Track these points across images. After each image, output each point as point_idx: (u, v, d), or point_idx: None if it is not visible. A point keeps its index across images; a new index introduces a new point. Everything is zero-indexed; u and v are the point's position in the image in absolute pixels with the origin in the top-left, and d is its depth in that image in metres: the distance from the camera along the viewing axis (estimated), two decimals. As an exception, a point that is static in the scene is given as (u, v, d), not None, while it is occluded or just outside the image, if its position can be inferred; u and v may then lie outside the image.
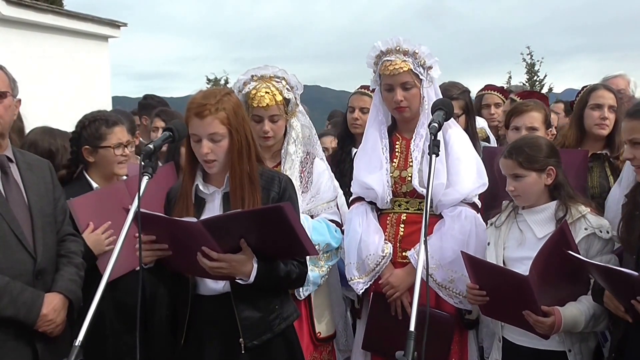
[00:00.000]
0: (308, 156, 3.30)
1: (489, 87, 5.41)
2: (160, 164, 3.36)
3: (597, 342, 2.85)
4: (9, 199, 2.63)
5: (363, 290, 3.13)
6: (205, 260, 2.33)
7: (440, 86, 3.28)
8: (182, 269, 2.52)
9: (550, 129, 3.76)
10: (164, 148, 2.79)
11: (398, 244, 3.13)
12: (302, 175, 3.25)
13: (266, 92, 3.14)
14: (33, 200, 2.69)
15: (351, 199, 3.31)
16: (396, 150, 3.20)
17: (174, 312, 2.65)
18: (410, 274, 3.02)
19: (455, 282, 3.01)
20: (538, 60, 24.57)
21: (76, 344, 1.92)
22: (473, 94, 4.80)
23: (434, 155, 2.26)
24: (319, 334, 3.24)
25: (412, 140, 3.15)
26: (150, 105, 5.61)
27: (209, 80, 26.71)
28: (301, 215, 3.08)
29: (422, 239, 2.12)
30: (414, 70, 3.06)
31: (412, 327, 1.94)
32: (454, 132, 3.15)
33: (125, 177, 3.29)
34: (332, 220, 3.26)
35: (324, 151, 3.58)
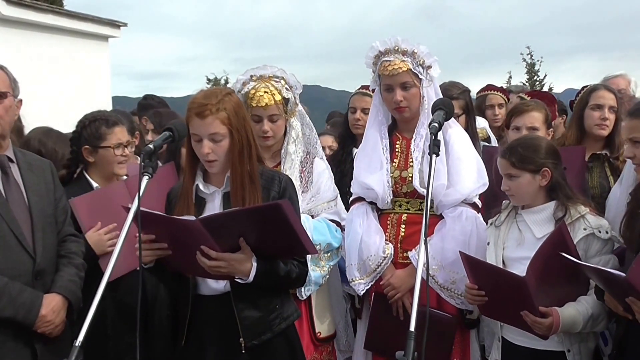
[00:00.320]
0: (308, 156, 3.30)
1: (490, 88, 5.41)
2: (159, 163, 3.36)
3: (597, 343, 2.85)
4: (9, 199, 2.62)
5: (364, 291, 3.13)
6: (204, 260, 2.33)
7: (440, 86, 3.28)
8: (181, 269, 2.52)
9: (551, 129, 3.76)
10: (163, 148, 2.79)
11: (399, 245, 3.13)
12: (302, 175, 3.25)
13: (265, 92, 3.14)
14: (33, 200, 2.69)
15: (351, 199, 3.31)
16: (396, 150, 3.20)
17: (174, 312, 2.65)
18: (411, 274, 3.02)
19: (457, 283, 3.01)
20: (538, 60, 24.59)
21: (76, 344, 1.92)
22: (473, 94, 4.80)
23: (434, 155, 2.25)
24: (319, 334, 3.24)
25: (412, 140, 3.15)
26: (150, 105, 5.60)
27: (209, 80, 26.72)
28: (302, 215, 3.08)
29: (422, 239, 2.11)
30: (413, 70, 3.06)
31: (412, 328, 1.94)
32: (454, 132, 3.14)
33: (125, 177, 3.29)
34: (332, 220, 3.25)
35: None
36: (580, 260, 2.63)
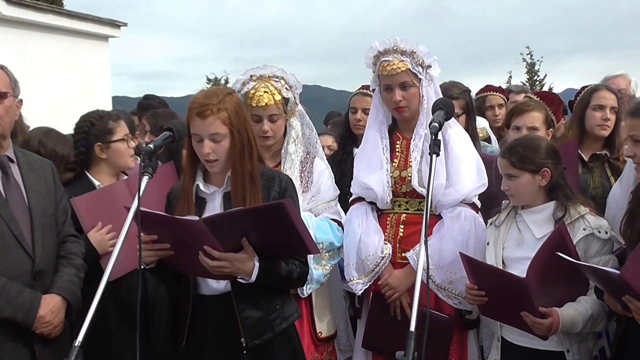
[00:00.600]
0: (308, 156, 3.30)
1: (489, 88, 5.41)
2: (159, 163, 3.36)
3: (596, 343, 2.85)
4: (9, 199, 2.62)
5: (362, 290, 3.13)
6: (206, 260, 2.33)
7: (440, 86, 3.27)
8: (183, 269, 2.52)
9: (551, 129, 3.76)
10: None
11: (397, 245, 3.13)
12: (303, 174, 3.25)
13: (265, 92, 3.14)
14: (33, 200, 2.69)
15: (351, 199, 3.31)
16: (397, 150, 3.20)
17: (174, 312, 2.65)
18: (409, 274, 3.03)
19: (454, 283, 3.01)
20: (538, 60, 24.60)
21: (76, 344, 1.91)
22: (473, 94, 4.80)
23: (434, 155, 2.25)
24: (319, 334, 3.24)
25: (412, 140, 3.15)
26: (150, 105, 5.59)
27: (209, 80, 26.74)
28: (305, 213, 3.08)
29: (423, 239, 2.11)
30: (412, 69, 3.06)
31: (412, 328, 1.94)
32: (454, 132, 3.14)
33: (125, 177, 3.29)
34: (333, 220, 3.26)
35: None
36: (580, 260, 2.63)
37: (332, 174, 3.39)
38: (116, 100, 15.66)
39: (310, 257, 2.96)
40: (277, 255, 2.47)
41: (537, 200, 2.85)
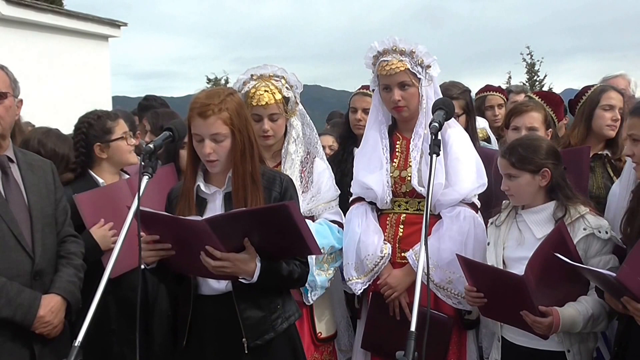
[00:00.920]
0: (308, 156, 3.30)
1: (488, 88, 5.41)
2: (159, 163, 3.37)
3: (597, 343, 2.85)
4: (9, 199, 2.62)
5: (361, 290, 3.13)
6: (208, 260, 2.32)
7: (440, 86, 3.27)
8: (184, 269, 2.52)
9: (550, 129, 3.75)
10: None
11: (397, 245, 3.13)
12: (303, 174, 3.25)
13: (265, 91, 3.14)
14: (33, 200, 2.69)
15: (351, 199, 3.31)
16: (397, 150, 3.20)
17: (175, 313, 2.65)
18: (408, 274, 3.03)
19: (453, 282, 3.01)
20: (538, 60, 24.59)
21: (76, 344, 1.91)
22: (473, 94, 4.80)
23: (434, 155, 2.25)
24: (319, 334, 3.24)
25: (412, 140, 3.15)
26: (151, 106, 5.59)
27: (209, 80, 26.74)
28: (306, 221, 3.08)
29: (423, 239, 2.11)
30: (411, 69, 3.06)
31: (412, 328, 1.94)
32: (454, 132, 3.14)
33: (127, 177, 3.29)
34: (333, 221, 3.25)
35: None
36: (580, 260, 2.64)
37: (332, 174, 3.39)
38: (116, 100, 15.66)
39: (312, 264, 2.96)
40: (278, 256, 2.47)
41: (537, 200, 2.85)
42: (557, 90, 22.93)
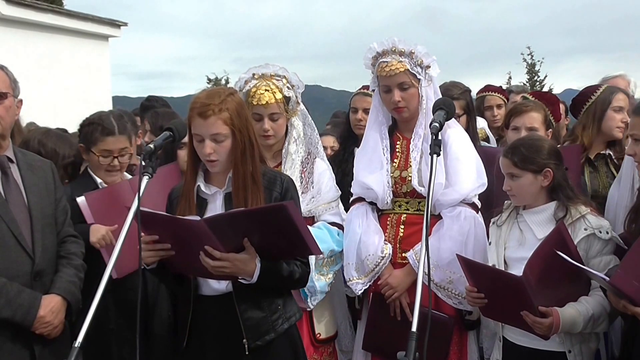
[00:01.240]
0: (309, 156, 3.30)
1: (488, 88, 5.40)
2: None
3: (598, 344, 2.85)
4: (9, 199, 2.62)
5: (362, 291, 3.13)
6: (208, 260, 2.32)
7: (441, 86, 3.27)
8: (184, 269, 2.51)
9: (550, 130, 3.75)
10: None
11: (398, 245, 3.12)
12: (303, 175, 3.24)
13: (266, 90, 3.14)
14: (33, 201, 2.68)
15: (352, 199, 3.30)
16: (397, 150, 3.20)
17: (175, 313, 2.64)
18: (408, 274, 3.03)
19: (454, 282, 3.01)
20: (538, 61, 24.60)
21: (76, 345, 1.91)
22: (473, 94, 4.80)
23: (434, 155, 2.25)
24: (318, 335, 3.23)
25: (412, 140, 3.15)
26: (153, 107, 5.59)
27: (209, 80, 26.75)
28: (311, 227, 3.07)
29: (423, 240, 2.11)
30: (410, 70, 3.05)
31: (414, 328, 1.93)
32: (453, 132, 3.14)
33: (130, 177, 3.28)
34: (333, 223, 3.25)
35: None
36: (581, 260, 2.64)
37: (333, 174, 3.38)
38: (116, 100, 15.67)
39: (312, 269, 2.96)
40: (278, 256, 2.46)
41: (538, 200, 2.85)
42: (557, 90, 22.95)
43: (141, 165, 2.27)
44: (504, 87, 6.24)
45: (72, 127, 3.33)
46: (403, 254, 3.10)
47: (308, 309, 3.13)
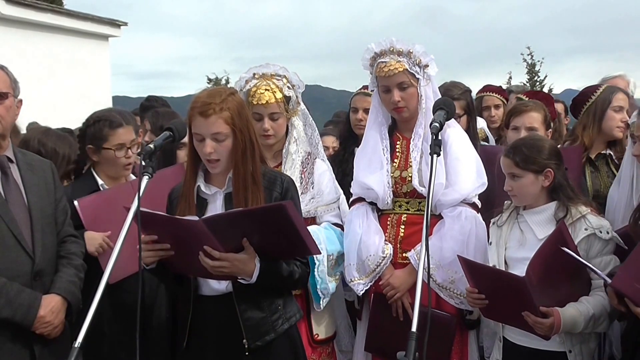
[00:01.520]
0: (309, 156, 3.29)
1: (487, 88, 5.39)
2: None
3: (598, 343, 2.85)
4: (9, 199, 2.62)
5: (363, 291, 3.13)
6: (207, 260, 2.32)
7: (441, 86, 3.27)
8: (184, 269, 2.51)
9: (550, 130, 3.75)
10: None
11: (398, 245, 3.12)
12: (303, 175, 3.24)
13: (266, 89, 3.14)
14: (33, 201, 2.68)
15: (352, 199, 3.30)
16: (397, 150, 3.19)
17: (174, 314, 2.64)
18: (410, 274, 3.02)
19: (455, 282, 3.00)
20: (538, 61, 24.58)
21: (75, 345, 1.91)
22: (473, 95, 4.79)
23: (435, 155, 2.25)
24: (316, 336, 3.22)
25: (411, 140, 3.15)
26: (152, 107, 5.58)
27: (209, 80, 26.72)
28: (314, 227, 3.08)
29: (424, 239, 2.11)
30: (409, 69, 3.05)
31: (414, 328, 1.93)
32: (453, 132, 3.14)
33: (133, 178, 3.27)
34: (335, 224, 3.25)
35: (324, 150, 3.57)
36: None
37: (333, 175, 3.38)
38: (116, 100, 15.67)
39: (325, 271, 2.96)
40: (278, 256, 2.46)
41: (539, 200, 2.85)
42: (557, 90, 22.96)
43: (141, 165, 2.27)
44: (504, 87, 6.23)
45: (72, 127, 3.32)
46: (404, 254, 3.10)
47: (318, 310, 3.13)
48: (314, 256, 3.02)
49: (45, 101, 10.92)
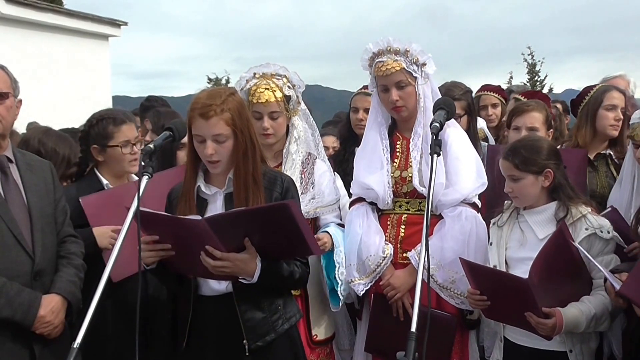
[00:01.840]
0: (310, 156, 3.29)
1: (485, 87, 5.39)
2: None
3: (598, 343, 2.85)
4: (8, 199, 2.61)
5: (364, 291, 3.13)
6: (208, 260, 2.31)
7: (442, 86, 3.27)
8: (184, 270, 2.51)
9: (551, 130, 3.75)
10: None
11: (399, 245, 3.12)
12: (303, 175, 3.24)
13: (266, 89, 3.15)
14: (32, 201, 2.68)
15: (351, 199, 3.30)
16: (397, 150, 3.19)
17: (175, 314, 2.63)
18: (411, 274, 3.02)
19: (456, 282, 3.00)
20: (539, 61, 24.58)
21: (75, 345, 1.90)
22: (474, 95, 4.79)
23: (435, 155, 2.24)
24: (315, 337, 3.22)
25: (411, 140, 3.14)
26: (152, 107, 5.58)
27: (209, 79, 26.70)
28: (332, 227, 3.12)
29: (424, 239, 2.11)
30: (407, 68, 3.05)
31: (413, 328, 1.93)
32: (453, 132, 3.13)
33: (136, 177, 3.27)
34: (340, 225, 3.26)
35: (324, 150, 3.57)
36: (582, 260, 2.64)
37: (333, 176, 3.38)
38: (116, 100, 15.67)
39: (344, 274, 3.01)
40: (279, 256, 2.46)
41: (539, 200, 2.85)
42: (558, 90, 22.96)
43: (141, 165, 2.27)
44: (505, 87, 6.22)
45: (72, 127, 3.32)
46: (404, 254, 3.10)
47: (335, 311, 3.15)
48: (335, 259, 3.03)
49: (45, 101, 10.91)
